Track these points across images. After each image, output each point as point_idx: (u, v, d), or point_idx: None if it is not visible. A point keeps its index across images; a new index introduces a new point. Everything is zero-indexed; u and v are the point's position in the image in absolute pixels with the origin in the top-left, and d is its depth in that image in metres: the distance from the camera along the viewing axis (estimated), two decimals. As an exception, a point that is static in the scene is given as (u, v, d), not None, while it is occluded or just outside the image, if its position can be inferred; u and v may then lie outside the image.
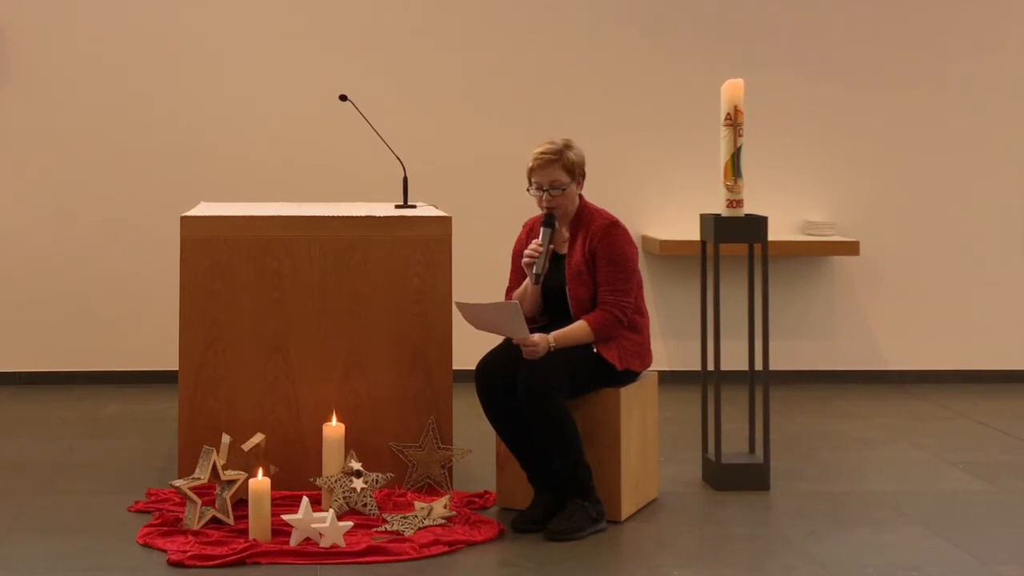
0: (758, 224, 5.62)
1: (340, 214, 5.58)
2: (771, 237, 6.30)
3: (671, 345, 7.85)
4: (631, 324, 5.24)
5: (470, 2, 7.88)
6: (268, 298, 5.51)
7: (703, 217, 5.75)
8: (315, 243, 5.52)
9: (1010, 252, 8.00)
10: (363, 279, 5.53)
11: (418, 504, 5.15)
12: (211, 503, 5.05)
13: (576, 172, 5.27)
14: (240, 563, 4.67)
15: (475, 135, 7.85)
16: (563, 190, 5.23)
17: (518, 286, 5.38)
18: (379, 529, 4.99)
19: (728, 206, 5.61)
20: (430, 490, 5.45)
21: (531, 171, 5.27)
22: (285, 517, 4.85)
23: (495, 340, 5.29)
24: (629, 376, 5.28)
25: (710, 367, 5.80)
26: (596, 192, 5.99)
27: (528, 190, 5.30)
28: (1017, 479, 5.86)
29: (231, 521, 5.01)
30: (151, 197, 7.70)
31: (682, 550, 4.92)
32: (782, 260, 7.80)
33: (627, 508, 5.23)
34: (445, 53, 7.87)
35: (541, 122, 7.55)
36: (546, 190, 5.23)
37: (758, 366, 5.69)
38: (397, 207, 5.85)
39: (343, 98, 6.12)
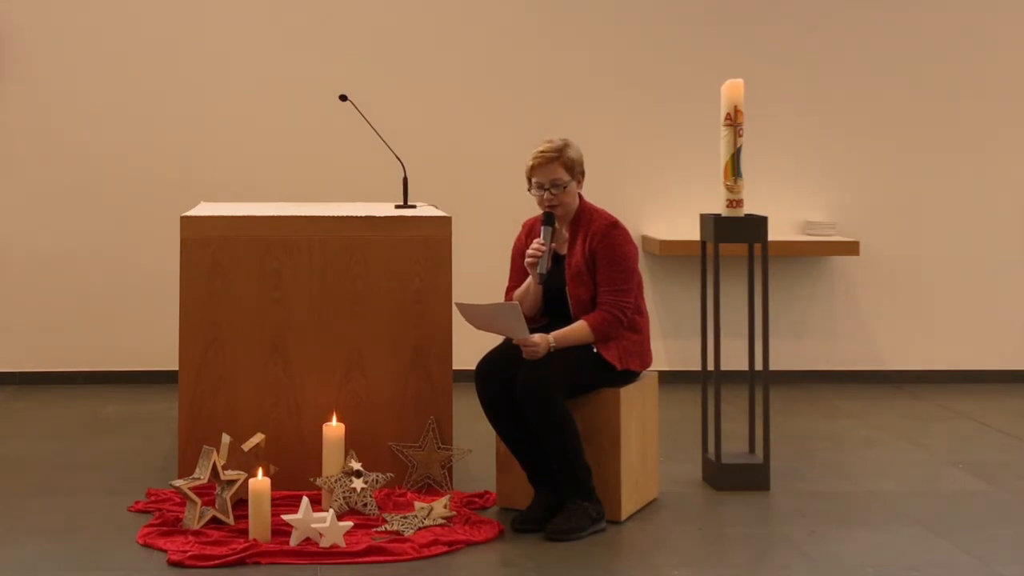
0: (758, 224, 5.62)
1: (340, 214, 5.58)
2: (771, 237, 6.30)
3: (671, 345, 7.85)
4: (631, 324, 5.24)
5: (470, 2, 7.87)
6: (268, 298, 5.51)
7: (703, 217, 5.75)
8: (315, 243, 5.52)
9: (1010, 252, 8.00)
10: (363, 279, 5.53)
11: (418, 504, 5.15)
12: (211, 503, 5.05)
13: (575, 170, 5.26)
14: (240, 563, 4.67)
15: (475, 135, 7.85)
16: (564, 188, 5.22)
17: (518, 286, 5.37)
18: (379, 529, 4.99)
19: (728, 206, 5.61)
20: (430, 490, 5.45)
21: (531, 170, 5.26)
22: (285, 517, 4.85)
23: (495, 340, 5.29)
24: (629, 376, 5.27)
25: (710, 367, 5.80)
26: (596, 192, 5.99)
27: (529, 191, 5.30)
28: (1017, 479, 5.86)
29: (231, 521, 5.01)
30: (151, 197, 7.70)
31: (682, 550, 4.92)
32: (782, 260, 7.80)
33: (627, 508, 5.23)
34: (445, 53, 7.87)
35: (541, 122, 7.54)
36: (547, 189, 5.22)
37: (758, 366, 5.68)
38: (397, 207, 5.85)
39: (343, 98, 6.11)
